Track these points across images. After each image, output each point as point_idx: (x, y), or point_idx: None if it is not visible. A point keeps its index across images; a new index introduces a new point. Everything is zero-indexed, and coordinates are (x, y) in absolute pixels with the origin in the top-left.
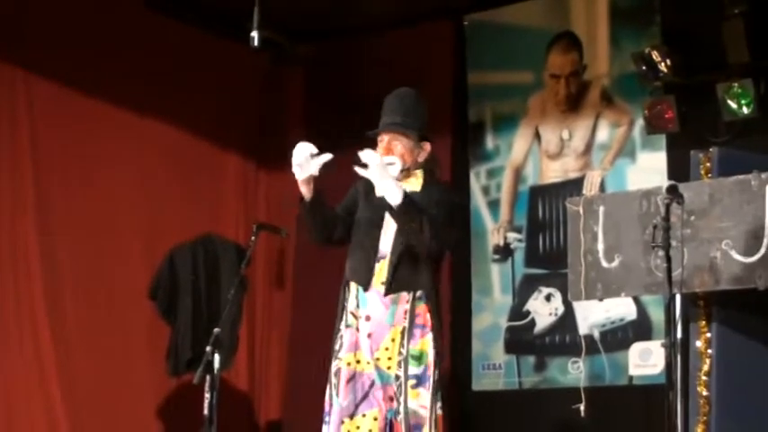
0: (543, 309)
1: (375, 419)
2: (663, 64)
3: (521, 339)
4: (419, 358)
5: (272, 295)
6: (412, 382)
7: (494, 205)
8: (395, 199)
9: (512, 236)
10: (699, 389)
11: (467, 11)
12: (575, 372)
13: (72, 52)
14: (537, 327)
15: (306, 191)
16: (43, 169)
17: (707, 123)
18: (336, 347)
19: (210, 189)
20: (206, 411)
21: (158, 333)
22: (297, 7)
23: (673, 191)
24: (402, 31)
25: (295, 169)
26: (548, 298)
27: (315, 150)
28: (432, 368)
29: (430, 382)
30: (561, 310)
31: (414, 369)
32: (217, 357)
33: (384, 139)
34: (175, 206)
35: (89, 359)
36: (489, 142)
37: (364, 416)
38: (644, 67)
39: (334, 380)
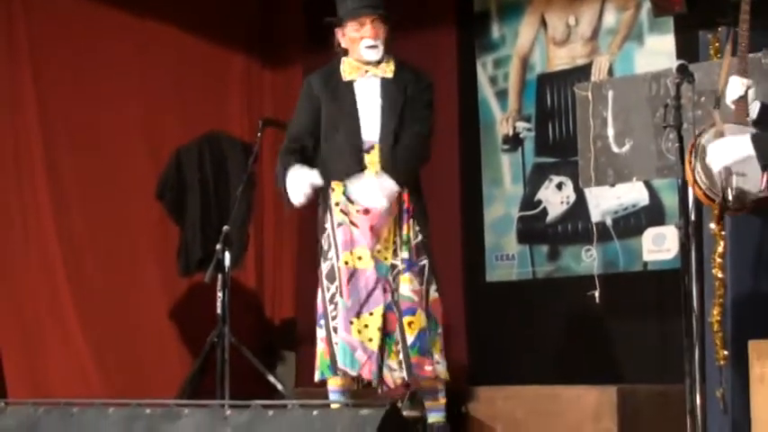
0: (554, 197)
1: (382, 316)
2: None
3: (533, 229)
4: (407, 243)
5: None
6: (403, 266)
7: (502, 95)
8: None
9: (521, 125)
10: (714, 271)
11: None
12: (588, 259)
13: None
14: (549, 216)
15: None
16: (42, 71)
17: (714, 3)
18: (326, 247)
19: (215, 87)
20: (219, 310)
21: (167, 233)
22: None
23: (683, 70)
24: None
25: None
26: (559, 186)
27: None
28: (415, 251)
29: (418, 267)
30: (573, 198)
31: (404, 254)
32: (227, 256)
33: (366, 21)
34: (179, 106)
35: (98, 262)
36: (495, 31)
37: (371, 314)
38: None
39: (326, 282)
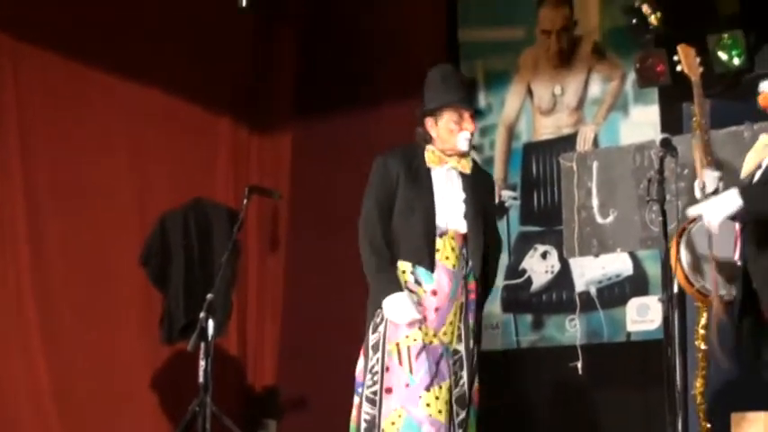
0: (539, 266)
1: (449, 390)
2: (653, 17)
3: (518, 298)
4: (474, 331)
5: (265, 259)
6: (466, 354)
7: (487, 163)
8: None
9: (506, 194)
10: (697, 343)
11: None
12: (572, 329)
13: (58, 16)
14: (533, 285)
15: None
16: (29, 135)
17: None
18: (378, 320)
19: (201, 153)
20: (201, 379)
21: (151, 300)
22: None
23: (666, 144)
24: None
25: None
26: (543, 255)
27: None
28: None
29: (474, 355)
30: (557, 267)
31: (471, 343)
32: (211, 323)
33: (465, 114)
34: (166, 171)
35: (79, 328)
36: (481, 100)
37: (440, 387)
38: (634, 21)
39: (371, 352)
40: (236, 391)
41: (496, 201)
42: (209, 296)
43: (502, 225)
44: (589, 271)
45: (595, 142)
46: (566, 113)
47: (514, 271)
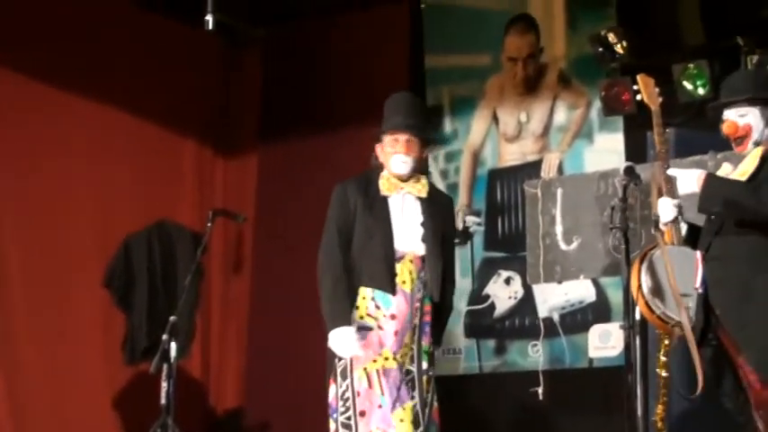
0: (503, 292)
1: (411, 409)
2: (619, 46)
3: (481, 323)
4: (427, 353)
5: (229, 282)
6: (417, 374)
7: (452, 189)
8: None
9: (471, 219)
10: (658, 370)
11: None
12: (534, 355)
13: (21, 36)
14: (497, 310)
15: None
16: None
17: (663, 104)
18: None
19: (166, 175)
20: (163, 400)
21: (113, 322)
22: None
23: (630, 172)
24: (359, 13)
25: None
26: (507, 281)
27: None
28: (429, 361)
29: (427, 376)
30: (521, 293)
31: (424, 364)
32: (173, 346)
33: (402, 137)
34: (130, 193)
35: (39, 349)
36: (447, 125)
37: (404, 408)
38: (600, 49)
39: (340, 378)
40: (198, 414)
41: (461, 226)
42: (173, 318)
43: (466, 250)
44: (552, 297)
45: (560, 169)
46: (531, 140)
47: (478, 296)
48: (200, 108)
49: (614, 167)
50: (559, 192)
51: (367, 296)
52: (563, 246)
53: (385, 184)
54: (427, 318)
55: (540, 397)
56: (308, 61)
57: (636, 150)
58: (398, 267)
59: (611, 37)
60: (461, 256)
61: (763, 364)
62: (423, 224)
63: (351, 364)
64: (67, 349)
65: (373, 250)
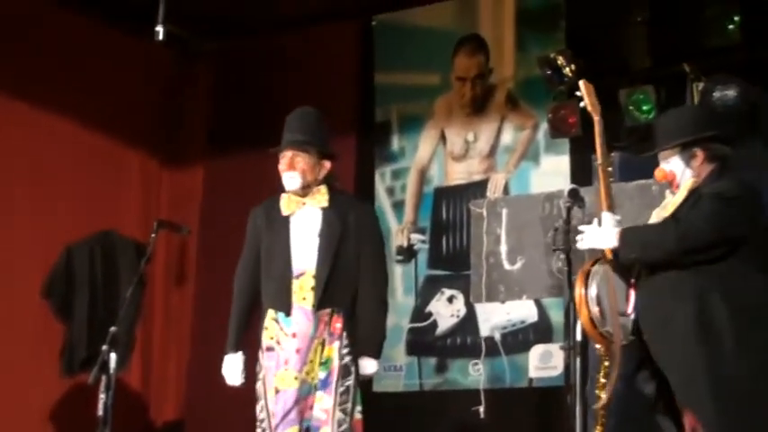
0: (445, 310)
1: None
2: (567, 68)
3: (422, 341)
4: (325, 364)
5: (171, 293)
6: (318, 384)
7: (398, 206)
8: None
9: (415, 237)
10: (597, 391)
11: (376, 11)
12: (475, 374)
13: None
14: (439, 328)
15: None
16: None
17: (609, 128)
18: (257, 369)
19: (111, 186)
20: (100, 412)
21: (52, 332)
22: (204, 3)
23: (574, 195)
24: (310, 30)
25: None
26: (450, 299)
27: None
28: (335, 374)
29: (333, 387)
30: (463, 311)
31: (321, 374)
32: (113, 357)
33: (287, 155)
34: (74, 203)
35: None
36: (395, 143)
37: None
38: (549, 72)
39: (258, 397)
40: (137, 427)
41: (405, 243)
42: (113, 329)
43: (410, 268)
44: (494, 316)
45: (506, 190)
46: (477, 160)
47: (420, 314)
48: (148, 119)
49: (559, 189)
50: (504, 212)
51: (271, 316)
52: (507, 265)
53: (286, 203)
54: (336, 330)
55: (481, 416)
56: (257, 76)
57: (581, 173)
58: (297, 284)
59: (560, 60)
60: (405, 273)
61: (682, 390)
62: (319, 235)
63: (264, 385)
64: (4, 359)
65: (272, 271)
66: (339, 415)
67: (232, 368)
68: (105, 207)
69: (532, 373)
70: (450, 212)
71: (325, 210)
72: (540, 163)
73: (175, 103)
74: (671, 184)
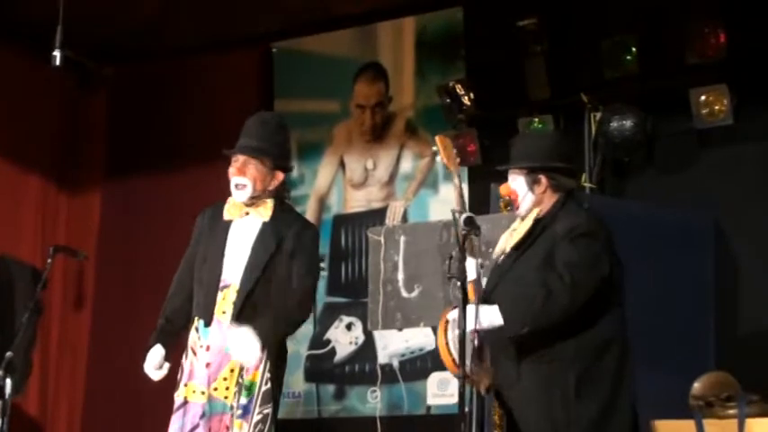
0: (344, 337)
1: None
2: (466, 97)
3: (321, 368)
4: (249, 389)
5: (69, 318)
6: (239, 412)
7: None
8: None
9: None
10: (494, 417)
11: (276, 38)
12: (374, 401)
13: None
14: (337, 355)
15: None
16: None
17: (508, 157)
18: (179, 378)
19: (7, 210)
20: None
21: None
22: (103, 28)
23: (470, 223)
24: (209, 57)
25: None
26: (348, 327)
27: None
28: (255, 400)
29: (252, 414)
30: (362, 339)
31: (243, 400)
32: (8, 382)
33: (239, 159)
34: None
35: None
36: (294, 170)
37: None
38: (448, 100)
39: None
40: None
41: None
42: (8, 354)
43: None
44: (392, 343)
45: (405, 217)
46: (377, 187)
47: (319, 341)
48: (45, 144)
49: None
50: (402, 239)
51: (195, 325)
52: (404, 293)
53: (229, 209)
54: None
55: None
56: (155, 101)
57: (479, 201)
58: (221, 296)
59: (459, 88)
60: None
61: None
62: (252, 248)
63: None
64: None
65: (202, 278)
66: None
67: (151, 358)
68: (2, 232)
69: (430, 401)
70: (348, 240)
71: (264, 224)
72: (439, 191)
73: (73, 128)
74: (513, 201)
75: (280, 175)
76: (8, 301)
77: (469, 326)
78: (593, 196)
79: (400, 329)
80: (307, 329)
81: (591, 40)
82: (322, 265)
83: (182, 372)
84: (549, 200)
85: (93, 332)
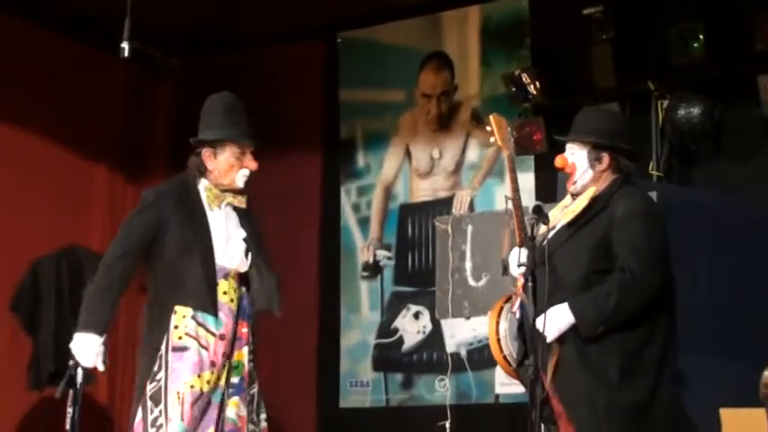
0: (411, 326)
1: None
2: (532, 86)
3: (388, 357)
4: (237, 368)
5: (136, 306)
6: (230, 390)
7: (364, 223)
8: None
9: (381, 253)
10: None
11: (341, 28)
12: (441, 390)
13: None
14: (405, 344)
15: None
16: None
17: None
18: (155, 369)
19: (77, 201)
20: (68, 426)
21: (20, 346)
22: (170, 20)
23: (538, 211)
24: (274, 47)
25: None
26: (416, 316)
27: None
28: (246, 379)
29: (245, 393)
30: (429, 327)
31: (234, 379)
32: (79, 372)
33: (248, 151)
34: (40, 218)
35: None
36: (360, 160)
37: None
38: (514, 89)
39: (150, 403)
40: None
41: (371, 260)
42: None
43: (376, 284)
44: (460, 332)
45: (471, 206)
46: (443, 177)
47: (386, 330)
48: (113, 134)
49: (524, 206)
50: (470, 228)
51: (187, 315)
52: (472, 282)
53: (208, 196)
54: (244, 335)
55: (448, 431)
56: (220, 89)
57: (546, 190)
58: (225, 284)
59: (525, 77)
60: (371, 289)
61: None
62: (245, 238)
63: (165, 388)
64: None
65: (192, 267)
66: (249, 426)
67: (92, 348)
68: (71, 222)
69: (498, 389)
70: (415, 229)
71: (242, 210)
72: (506, 180)
73: (140, 119)
74: (569, 176)
75: None
76: (79, 289)
77: (535, 323)
78: (661, 184)
79: (468, 318)
80: (374, 318)
81: (658, 27)
82: (389, 254)
83: (161, 362)
84: (606, 179)
85: None
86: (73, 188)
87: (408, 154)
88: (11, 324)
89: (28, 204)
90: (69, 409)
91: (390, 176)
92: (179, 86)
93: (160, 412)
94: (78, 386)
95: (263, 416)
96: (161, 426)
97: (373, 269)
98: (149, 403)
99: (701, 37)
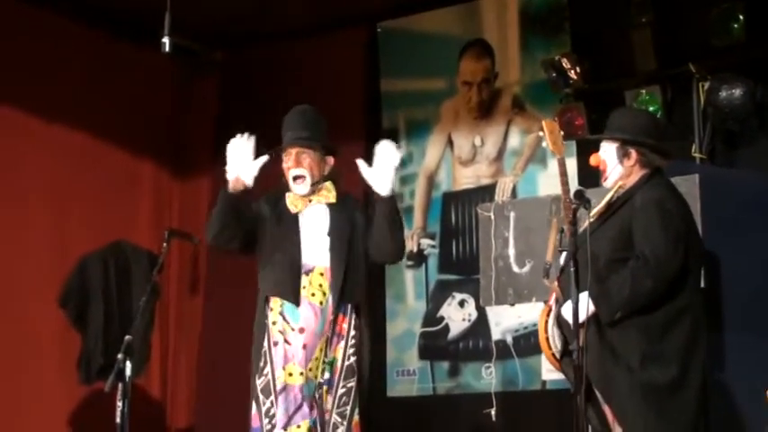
0: (457, 314)
1: (309, 429)
2: (572, 71)
3: (435, 345)
4: (331, 364)
5: (185, 302)
6: (326, 387)
7: (407, 212)
8: (386, 189)
9: (425, 242)
10: None
11: (380, 18)
12: (488, 377)
13: None
14: (450, 332)
15: (234, 185)
16: None
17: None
18: (261, 364)
19: (123, 196)
20: (118, 419)
21: (69, 341)
22: (211, 14)
23: (580, 196)
24: (316, 38)
25: (237, 167)
26: (461, 304)
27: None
28: (337, 374)
29: (336, 388)
30: (474, 315)
31: (326, 374)
32: (128, 365)
33: (292, 152)
34: (87, 214)
35: None
36: (402, 149)
37: (299, 426)
38: (554, 75)
39: (262, 396)
40: None
41: (415, 249)
42: (128, 337)
43: (420, 273)
44: (505, 320)
45: (514, 193)
46: (485, 164)
47: (432, 318)
48: (158, 130)
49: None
50: (512, 215)
51: (275, 308)
52: (516, 268)
53: (292, 201)
54: (342, 330)
55: (494, 419)
56: (263, 85)
57: (588, 175)
58: (306, 280)
59: (565, 63)
60: (416, 278)
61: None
62: (329, 233)
63: (273, 381)
64: (24, 368)
65: (278, 262)
66: (336, 418)
67: (245, 153)
68: (118, 217)
69: (545, 376)
70: (458, 217)
71: (331, 206)
72: (548, 165)
73: (184, 114)
74: (602, 172)
75: (330, 160)
76: (126, 285)
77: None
78: (704, 166)
79: (512, 305)
80: (419, 307)
81: (697, 8)
82: (433, 242)
83: (269, 356)
84: (636, 174)
85: (205, 315)
86: (119, 184)
87: (450, 142)
88: (61, 320)
89: (75, 201)
90: (119, 403)
91: (433, 165)
92: (223, 80)
93: (272, 403)
94: (127, 380)
95: (357, 410)
96: (273, 415)
97: (418, 258)
98: (261, 396)
99: (741, 17)
